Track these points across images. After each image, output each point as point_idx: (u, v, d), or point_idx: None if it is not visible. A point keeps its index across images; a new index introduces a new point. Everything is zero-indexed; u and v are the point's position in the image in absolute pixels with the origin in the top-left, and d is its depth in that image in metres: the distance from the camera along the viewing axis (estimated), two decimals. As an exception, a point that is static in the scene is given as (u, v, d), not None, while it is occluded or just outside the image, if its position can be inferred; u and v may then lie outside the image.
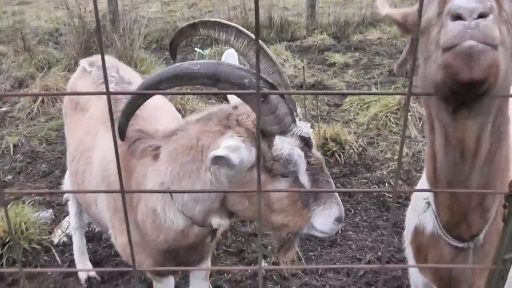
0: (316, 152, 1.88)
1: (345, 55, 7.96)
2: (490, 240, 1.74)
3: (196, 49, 7.93)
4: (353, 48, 8.35)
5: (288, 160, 1.76)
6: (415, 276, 2.24)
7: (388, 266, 1.17)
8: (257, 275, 3.27)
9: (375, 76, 7.11)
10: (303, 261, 3.47)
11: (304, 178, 1.82)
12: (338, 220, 1.88)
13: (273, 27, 8.87)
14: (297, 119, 1.81)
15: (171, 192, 2.00)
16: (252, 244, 3.58)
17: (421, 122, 5.58)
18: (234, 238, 3.70)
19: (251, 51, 1.92)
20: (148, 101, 1.92)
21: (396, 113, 5.58)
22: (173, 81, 1.65)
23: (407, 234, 2.19)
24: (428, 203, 1.87)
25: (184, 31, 2.11)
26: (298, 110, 1.90)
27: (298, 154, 1.78)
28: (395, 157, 4.88)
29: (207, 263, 2.62)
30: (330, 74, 7.20)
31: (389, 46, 8.49)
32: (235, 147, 1.71)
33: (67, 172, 3.32)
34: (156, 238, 2.10)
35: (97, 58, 3.03)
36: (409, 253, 2.17)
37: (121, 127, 1.76)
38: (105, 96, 2.56)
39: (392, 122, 5.48)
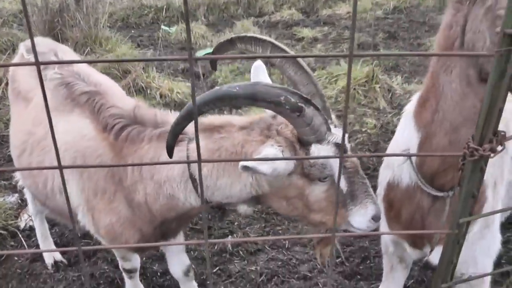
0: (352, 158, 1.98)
1: (314, 29, 7.94)
2: None
3: (162, 26, 7.82)
4: (322, 23, 8.34)
5: (324, 165, 1.87)
6: (384, 236, 2.30)
7: (338, 234, 1.17)
8: (223, 251, 3.30)
9: (344, 50, 7.11)
10: (270, 235, 3.51)
11: (341, 181, 1.88)
12: (375, 218, 1.96)
13: (240, 3, 8.79)
14: (332, 126, 1.89)
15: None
16: (218, 221, 3.60)
17: (390, 94, 5.63)
18: (199, 216, 3.71)
19: (286, 64, 2.00)
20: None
21: (364, 86, 5.61)
22: (215, 103, 1.74)
23: (380, 191, 2.28)
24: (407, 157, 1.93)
25: (223, 46, 2.17)
26: (333, 116, 1.99)
27: (332, 160, 1.87)
28: (364, 129, 4.92)
29: (182, 236, 2.67)
30: (298, 49, 7.18)
31: (358, 20, 8.48)
32: (273, 155, 1.84)
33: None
34: (163, 214, 2.16)
35: (39, 41, 2.91)
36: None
37: (169, 146, 1.81)
38: (47, 83, 2.53)
39: (360, 95, 5.51)
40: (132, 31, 8.22)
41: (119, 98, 2.36)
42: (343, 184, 1.92)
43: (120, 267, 2.79)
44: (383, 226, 2.28)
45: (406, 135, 2.06)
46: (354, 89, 5.59)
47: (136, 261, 2.73)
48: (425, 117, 1.85)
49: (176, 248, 2.74)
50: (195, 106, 1.04)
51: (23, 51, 2.86)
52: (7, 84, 6.17)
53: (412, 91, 5.68)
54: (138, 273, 2.83)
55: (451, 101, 1.70)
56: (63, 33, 6.98)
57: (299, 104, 1.74)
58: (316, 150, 1.86)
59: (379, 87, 5.61)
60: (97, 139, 2.19)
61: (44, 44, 2.86)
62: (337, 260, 3.35)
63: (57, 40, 7.30)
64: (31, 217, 3.73)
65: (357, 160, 1.99)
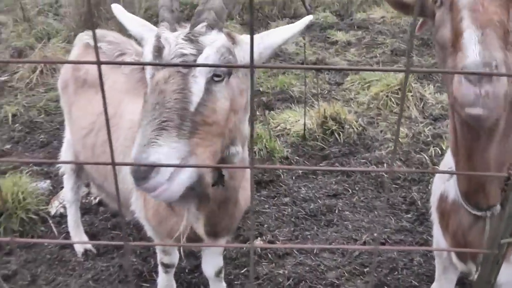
0: None
1: (348, 33, 7.87)
2: None
3: None
4: (355, 27, 8.26)
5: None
6: (440, 241, 2.30)
7: (381, 247, 1.16)
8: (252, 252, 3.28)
9: (377, 55, 7.04)
10: (298, 240, 3.49)
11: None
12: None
13: (275, 4, 8.76)
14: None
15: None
16: (248, 222, 3.59)
17: (422, 103, 5.55)
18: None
19: None
20: None
21: (397, 93, 5.54)
22: None
23: (433, 200, 2.27)
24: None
25: None
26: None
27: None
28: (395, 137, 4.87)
29: (225, 240, 2.63)
30: (332, 52, 7.13)
31: (392, 26, 8.38)
32: None
33: (65, 146, 3.30)
34: None
35: (99, 33, 2.98)
36: (434, 218, 2.26)
37: None
38: (122, 68, 2.59)
39: (393, 102, 5.44)
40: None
41: None
42: None
43: (158, 260, 2.80)
44: (438, 233, 2.27)
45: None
46: (387, 96, 5.53)
47: (175, 256, 2.74)
48: (451, 141, 1.89)
49: (214, 249, 2.74)
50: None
51: (88, 40, 2.93)
52: (41, 72, 6.31)
53: (444, 101, 5.59)
54: (174, 270, 2.84)
55: (458, 133, 1.76)
56: (99, 26, 7.05)
57: None
58: None
59: (412, 95, 5.53)
60: None
61: (113, 35, 2.92)
62: (365, 270, 3.31)
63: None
64: (62, 204, 3.79)
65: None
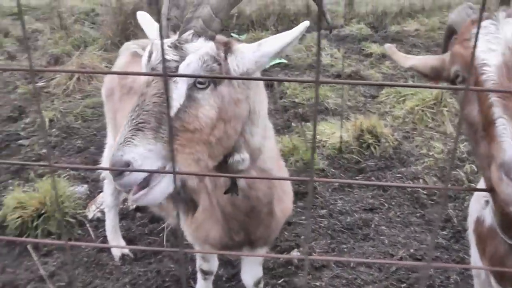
0: None
1: (382, 46, 7.82)
2: None
3: (232, 34, 7.91)
4: (390, 39, 8.20)
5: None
6: (478, 262, 2.25)
7: (434, 264, 1.12)
8: (289, 263, 3.26)
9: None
10: (335, 253, 3.45)
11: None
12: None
13: (310, 15, 8.77)
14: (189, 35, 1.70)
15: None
16: (285, 233, 3.57)
17: (457, 119, 5.46)
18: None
19: None
20: None
21: (433, 108, 5.47)
22: None
23: (470, 222, 2.21)
24: (487, 202, 1.88)
25: None
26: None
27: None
28: (431, 153, 4.79)
29: (264, 250, 2.62)
30: (366, 65, 7.10)
31: (426, 39, 8.32)
32: None
33: (106, 151, 3.34)
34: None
35: (147, 42, 3.03)
36: (471, 239, 2.19)
37: None
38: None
39: (428, 117, 5.37)
40: (204, 36, 8.36)
41: None
42: None
43: (197, 267, 2.81)
44: (476, 255, 2.21)
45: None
46: (422, 110, 5.46)
47: (214, 263, 2.76)
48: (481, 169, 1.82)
49: (253, 259, 2.72)
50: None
51: (136, 49, 2.98)
52: (78, 79, 6.44)
53: (481, 117, 5.48)
54: (212, 277, 2.84)
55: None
56: (135, 35, 7.18)
57: None
58: None
59: (447, 110, 5.46)
60: None
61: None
62: (402, 286, 3.25)
63: (129, 41, 7.52)
64: (99, 208, 3.83)
65: None
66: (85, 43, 7.92)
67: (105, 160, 3.37)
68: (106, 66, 6.71)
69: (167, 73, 0.95)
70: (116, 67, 3.17)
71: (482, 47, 1.48)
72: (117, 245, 3.32)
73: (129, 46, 3.09)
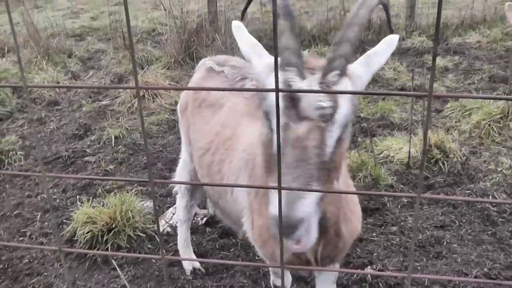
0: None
1: (444, 58, 7.65)
2: None
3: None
4: (452, 52, 8.01)
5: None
6: None
7: (506, 282, 1.07)
8: (363, 280, 3.21)
9: (475, 81, 6.77)
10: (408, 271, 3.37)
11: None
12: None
13: (371, 28, 8.70)
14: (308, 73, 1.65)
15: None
16: (357, 250, 3.53)
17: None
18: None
19: None
20: None
21: (499, 122, 5.27)
22: None
23: None
24: None
25: None
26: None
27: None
28: (499, 169, 4.61)
29: (337, 266, 2.60)
30: (429, 78, 6.94)
31: (488, 51, 8.05)
32: None
33: (180, 166, 3.42)
34: None
35: (222, 58, 3.15)
36: None
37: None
38: (242, 92, 2.68)
39: (495, 132, 5.18)
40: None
41: None
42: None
43: (270, 282, 2.83)
44: None
45: None
46: (489, 125, 5.28)
47: (288, 279, 2.76)
48: None
49: (326, 277, 2.70)
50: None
51: (211, 65, 3.08)
52: (143, 97, 6.64)
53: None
54: None
55: None
56: (199, 52, 7.35)
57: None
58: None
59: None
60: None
61: (237, 61, 3.06)
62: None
63: (192, 59, 7.73)
64: (168, 223, 3.92)
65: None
66: (148, 62, 8.18)
67: (179, 174, 3.44)
68: (170, 84, 6.90)
69: (279, 89, 0.98)
70: (192, 83, 3.27)
71: None
72: (187, 258, 3.38)
73: (205, 62, 3.19)
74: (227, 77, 2.87)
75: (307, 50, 7.88)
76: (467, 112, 5.60)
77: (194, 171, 3.16)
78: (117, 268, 3.37)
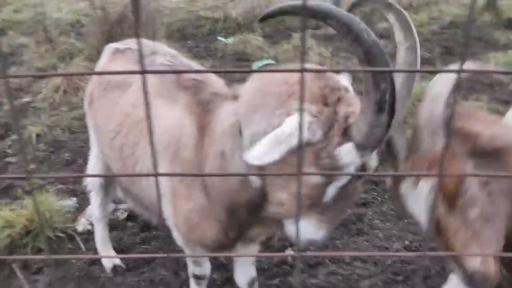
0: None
1: (369, 42, 7.80)
2: None
3: (219, 37, 7.87)
4: (379, 36, 8.15)
5: (338, 167, 1.68)
6: None
7: (429, 254, 1.08)
8: (283, 263, 3.22)
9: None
10: (329, 249, 3.41)
11: (332, 189, 1.76)
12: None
13: (297, 16, 8.71)
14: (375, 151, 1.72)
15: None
16: (278, 232, 3.53)
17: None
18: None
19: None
20: None
21: (420, 100, 5.45)
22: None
23: None
24: None
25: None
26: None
27: (351, 169, 1.69)
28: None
29: (255, 249, 2.59)
30: (355, 62, 7.07)
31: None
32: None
33: (92, 162, 3.26)
34: (221, 190, 2.05)
35: (128, 40, 3.02)
36: None
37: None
38: (152, 69, 2.56)
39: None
40: (189, 42, 8.31)
41: (220, 86, 2.39)
42: (331, 193, 1.76)
43: (189, 272, 2.74)
44: None
45: None
46: (413, 104, 5.44)
47: (207, 267, 2.69)
48: None
49: (246, 258, 2.68)
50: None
51: (114, 47, 2.95)
52: (64, 91, 6.38)
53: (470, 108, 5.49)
54: (206, 282, 2.77)
55: None
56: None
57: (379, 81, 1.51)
58: (349, 148, 1.66)
59: (437, 102, 5.43)
60: (191, 121, 2.21)
61: (145, 40, 2.91)
62: (398, 278, 3.23)
63: (114, 50, 7.46)
64: (89, 221, 3.78)
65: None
66: (71, 54, 7.85)
67: (91, 171, 3.29)
68: (92, 77, 6.66)
69: (145, 70, 0.93)
70: (97, 68, 3.10)
71: None
72: (107, 255, 3.26)
73: (110, 46, 3.02)
74: (134, 53, 2.74)
75: (231, 38, 7.82)
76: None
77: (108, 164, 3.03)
78: (18, 273, 3.22)
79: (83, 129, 5.48)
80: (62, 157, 4.95)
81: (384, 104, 1.52)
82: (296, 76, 1.75)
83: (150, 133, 1.00)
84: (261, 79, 1.88)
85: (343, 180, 1.72)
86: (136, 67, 2.67)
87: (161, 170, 2.29)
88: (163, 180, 2.31)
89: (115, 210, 3.84)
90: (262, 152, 1.61)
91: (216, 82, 2.42)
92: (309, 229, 1.79)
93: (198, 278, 2.71)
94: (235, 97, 2.04)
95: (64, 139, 5.28)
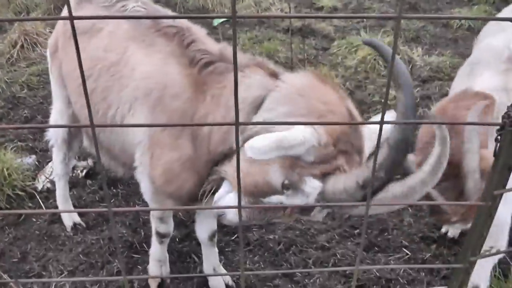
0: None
1: (333, -2, 7.74)
2: None
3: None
4: (341, -7, 8.12)
5: (298, 187, 1.77)
6: None
7: (372, 204, 1.13)
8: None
9: (364, 20, 6.94)
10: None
11: (275, 199, 1.84)
12: None
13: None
14: None
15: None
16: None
17: (410, 65, 5.51)
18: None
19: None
20: None
21: (385, 56, 5.48)
22: None
23: None
24: None
25: None
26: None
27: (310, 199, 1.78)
28: (383, 100, 4.83)
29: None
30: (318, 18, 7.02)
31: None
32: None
33: (54, 116, 3.13)
34: (217, 149, 2.07)
35: None
36: None
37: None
38: (126, 14, 2.47)
39: (381, 65, 5.39)
40: None
41: (205, 38, 2.34)
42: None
43: (153, 230, 2.69)
44: None
45: None
46: (375, 59, 5.47)
47: (171, 225, 2.66)
48: None
49: (208, 212, 2.66)
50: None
51: None
52: (22, 46, 6.16)
53: (433, 63, 5.56)
54: (168, 240, 2.74)
55: None
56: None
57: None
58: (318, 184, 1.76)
59: (400, 58, 5.48)
60: (181, 73, 2.17)
61: None
62: (355, 232, 3.34)
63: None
64: (49, 179, 3.73)
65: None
66: (28, 9, 7.54)
67: (54, 121, 3.13)
68: (50, 32, 6.42)
69: (73, 17, 0.91)
70: (62, 15, 2.94)
71: None
72: (66, 210, 3.25)
73: None
74: (102, 1, 2.62)
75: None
76: (354, 49, 5.75)
77: (73, 116, 2.91)
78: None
79: (42, 85, 5.34)
80: (21, 114, 4.82)
81: (367, 186, 1.61)
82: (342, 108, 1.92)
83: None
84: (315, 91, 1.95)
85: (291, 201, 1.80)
86: (106, 13, 2.55)
87: (139, 116, 2.25)
88: (142, 128, 2.27)
89: (74, 167, 3.80)
90: (262, 150, 1.69)
91: (199, 32, 2.35)
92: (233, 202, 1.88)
93: (162, 236, 2.68)
94: (262, 67, 2.08)
95: (23, 96, 5.13)
